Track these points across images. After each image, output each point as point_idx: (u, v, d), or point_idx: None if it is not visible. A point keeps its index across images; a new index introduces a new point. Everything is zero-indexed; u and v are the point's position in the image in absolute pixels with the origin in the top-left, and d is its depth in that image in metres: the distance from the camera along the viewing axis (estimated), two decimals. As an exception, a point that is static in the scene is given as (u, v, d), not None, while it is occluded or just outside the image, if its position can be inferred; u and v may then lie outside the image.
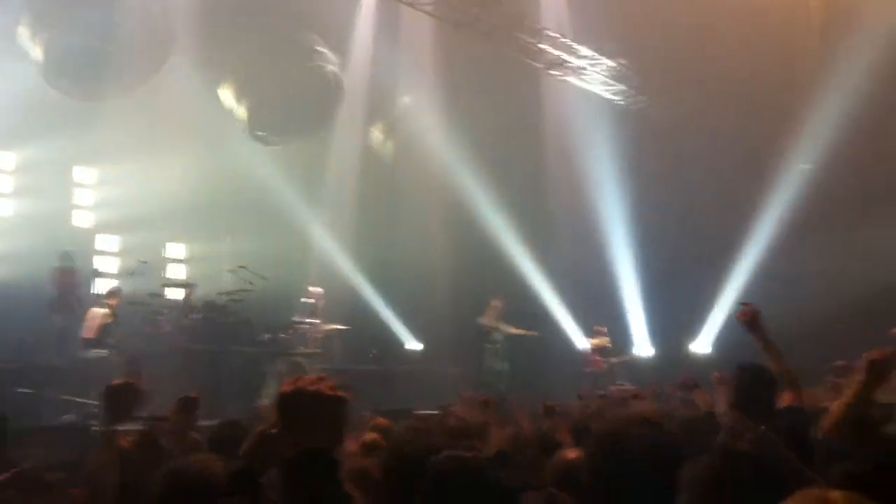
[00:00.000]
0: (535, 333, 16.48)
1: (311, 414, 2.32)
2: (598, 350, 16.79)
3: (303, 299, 15.18)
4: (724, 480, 2.39)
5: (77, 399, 11.03)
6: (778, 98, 16.41)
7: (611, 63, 18.37)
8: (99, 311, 12.48)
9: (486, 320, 16.13)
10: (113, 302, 12.77)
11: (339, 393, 2.36)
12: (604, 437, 2.65)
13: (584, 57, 18.13)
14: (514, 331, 16.25)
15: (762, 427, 3.41)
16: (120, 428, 3.85)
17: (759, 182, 17.06)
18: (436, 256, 17.22)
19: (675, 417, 6.23)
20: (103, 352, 12.09)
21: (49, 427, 9.80)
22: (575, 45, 17.80)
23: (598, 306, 18.18)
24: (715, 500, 2.39)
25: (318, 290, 15.42)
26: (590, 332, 17.40)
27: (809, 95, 15.92)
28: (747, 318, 4.80)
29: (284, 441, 2.32)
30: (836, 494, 1.74)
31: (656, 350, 18.59)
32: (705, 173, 17.31)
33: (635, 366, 17.24)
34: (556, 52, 17.73)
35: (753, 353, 4.94)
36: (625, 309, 18.74)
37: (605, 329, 17.11)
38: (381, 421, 5.87)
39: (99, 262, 16.04)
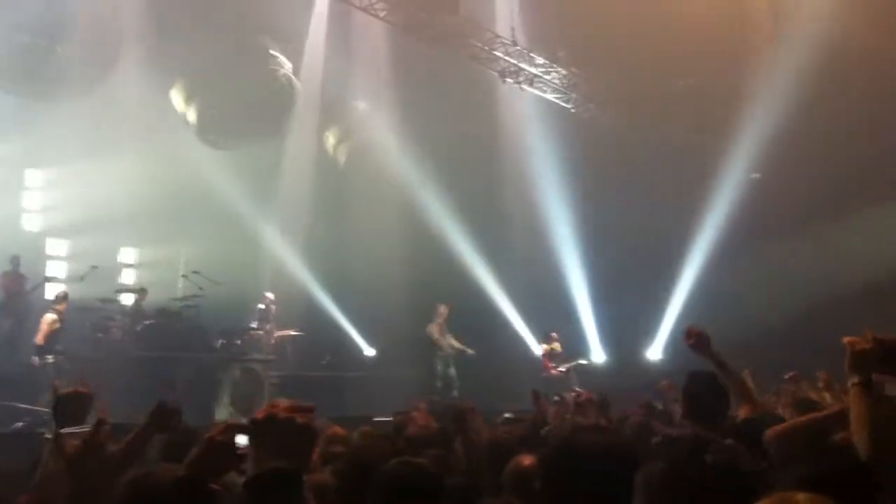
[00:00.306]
0: (472, 351, 16.33)
1: (283, 441, 2.35)
2: (548, 355, 16.93)
3: (258, 305, 15.12)
4: (684, 488, 2.47)
5: (25, 405, 10.86)
6: (725, 108, 16.72)
7: (562, 71, 18.59)
8: (48, 317, 12.29)
9: (431, 330, 16.14)
10: (61, 307, 12.57)
11: (310, 423, 2.39)
12: (558, 443, 2.71)
13: (538, 65, 18.31)
14: (455, 345, 16.24)
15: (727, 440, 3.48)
16: (68, 433, 3.81)
17: (706, 191, 17.40)
18: (389, 262, 17.17)
19: (628, 423, 6.39)
20: (51, 358, 11.91)
21: (-2, 434, 9.63)
22: (528, 53, 17.98)
23: (552, 312, 18.36)
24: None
25: (271, 295, 15.37)
26: (544, 338, 17.47)
27: (755, 105, 16.29)
28: (693, 341, 4.67)
29: (255, 462, 2.34)
30: (801, 496, 1.83)
31: (609, 356, 18.84)
32: (654, 182, 17.55)
33: (587, 371, 17.29)
34: (510, 60, 17.88)
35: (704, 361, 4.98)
36: (578, 315, 18.98)
37: (556, 335, 17.27)
38: (338, 430, 5.87)
39: (49, 267, 15.79)
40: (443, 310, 16.25)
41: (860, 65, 15.14)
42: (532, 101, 18.92)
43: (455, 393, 15.35)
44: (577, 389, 15.03)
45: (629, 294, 17.70)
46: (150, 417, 3.86)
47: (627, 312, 17.81)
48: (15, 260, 13.43)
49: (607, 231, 18.22)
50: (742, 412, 4.61)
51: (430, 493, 3.36)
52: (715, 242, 17.49)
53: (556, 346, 17.12)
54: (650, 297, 17.92)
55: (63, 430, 3.27)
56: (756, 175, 17.09)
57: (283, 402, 2.41)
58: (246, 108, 16.61)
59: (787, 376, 8.67)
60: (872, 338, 2.87)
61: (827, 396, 6.34)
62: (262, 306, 15.19)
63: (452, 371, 16.08)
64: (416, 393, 14.73)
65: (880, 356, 2.88)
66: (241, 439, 2.95)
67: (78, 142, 14.82)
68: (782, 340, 14.44)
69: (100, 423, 3.60)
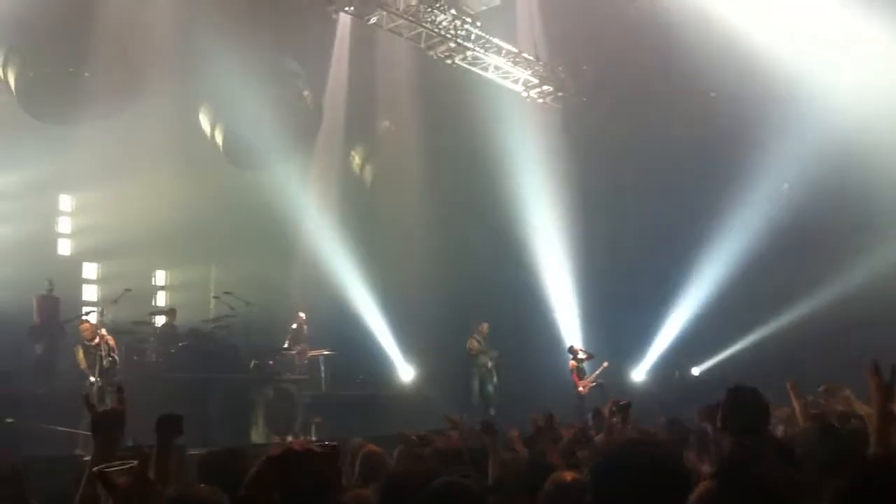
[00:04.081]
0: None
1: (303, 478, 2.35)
2: (575, 371, 16.79)
3: (292, 325, 15.15)
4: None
5: (59, 428, 10.94)
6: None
7: (587, 83, 18.67)
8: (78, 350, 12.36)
9: (471, 344, 16.13)
10: (92, 331, 12.57)
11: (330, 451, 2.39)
12: (608, 457, 2.69)
13: (559, 78, 18.42)
14: (490, 360, 16.17)
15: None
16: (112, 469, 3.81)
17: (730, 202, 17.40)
18: (420, 279, 17.21)
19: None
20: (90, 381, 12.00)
21: (32, 457, 9.68)
22: (551, 67, 18.07)
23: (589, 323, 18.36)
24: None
25: (303, 315, 15.40)
26: (569, 354, 17.25)
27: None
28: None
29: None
30: None
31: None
32: (671, 189, 17.62)
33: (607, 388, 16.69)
34: (532, 74, 17.96)
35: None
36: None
37: (579, 349, 17.16)
38: (374, 448, 5.86)
39: (84, 291, 15.93)
40: (484, 327, 16.34)
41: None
42: (552, 114, 18.97)
43: (492, 411, 15.23)
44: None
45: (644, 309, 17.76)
46: (159, 431, 3.85)
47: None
48: (50, 284, 13.52)
49: (630, 241, 18.18)
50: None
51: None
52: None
53: (582, 355, 17.02)
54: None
55: (107, 467, 3.25)
56: (786, 185, 17.05)
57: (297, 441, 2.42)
58: (272, 130, 16.72)
59: (820, 388, 8.66)
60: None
61: (858, 408, 6.26)
62: (294, 326, 15.22)
63: (490, 388, 16.05)
64: (453, 411, 14.72)
65: None
66: None
67: (108, 166, 14.96)
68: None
69: (144, 455, 3.61)
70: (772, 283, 16.87)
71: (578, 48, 18.39)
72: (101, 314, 14.00)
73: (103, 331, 12.51)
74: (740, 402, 4.65)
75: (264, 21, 15.79)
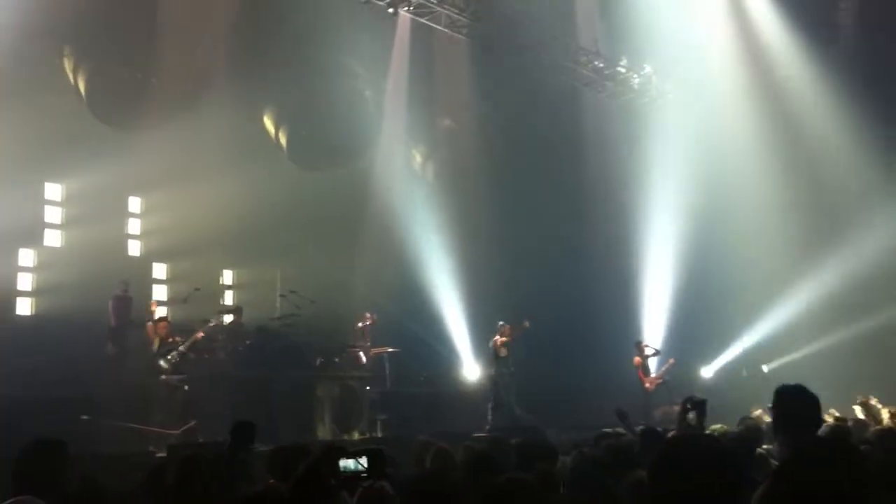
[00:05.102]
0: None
1: None
2: (640, 367, 16.59)
3: (358, 324, 15.25)
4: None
5: (131, 425, 11.18)
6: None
7: (646, 71, 18.52)
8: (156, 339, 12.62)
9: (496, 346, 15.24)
10: (170, 331, 12.84)
11: None
12: (663, 452, 2.64)
13: (621, 72, 18.27)
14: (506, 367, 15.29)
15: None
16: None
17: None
18: (482, 275, 17.20)
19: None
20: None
21: (108, 454, 9.90)
22: (612, 62, 17.96)
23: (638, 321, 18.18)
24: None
25: (369, 314, 15.46)
26: (635, 349, 17.03)
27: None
28: None
29: None
30: None
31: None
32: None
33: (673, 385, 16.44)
34: (592, 69, 17.87)
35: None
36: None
37: (645, 344, 16.96)
38: (444, 446, 5.85)
39: (154, 290, 16.23)
40: (508, 329, 15.30)
41: None
42: (615, 108, 18.84)
43: (518, 411, 14.84)
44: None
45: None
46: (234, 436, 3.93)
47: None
48: (124, 284, 13.75)
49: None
50: None
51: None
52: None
53: (649, 351, 16.84)
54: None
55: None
56: None
57: None
58: (334, 130, 16.87)
59: (859, 400, 8.78)
60: None
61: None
62: (360, 325, 15.29)
63: (508, 396, 15.09)
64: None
65: None
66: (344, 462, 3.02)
67: (175, 168, 15.13)
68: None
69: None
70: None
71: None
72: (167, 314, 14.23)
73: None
74: (791, 401, 4.54)
75: (325, 23, 15.95)
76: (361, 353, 14.91)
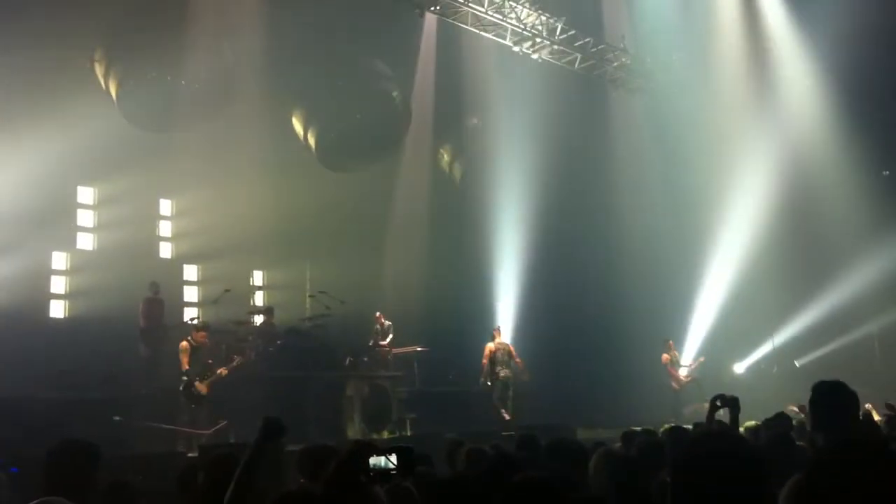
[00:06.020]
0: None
1: None
2: (669, 364, 16.42)
3: (376, 326, 15.26)
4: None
5: (162, 425, 11.26)
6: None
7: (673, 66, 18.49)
8: (183, 345, 12.36)
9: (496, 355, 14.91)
10: (200, 336, 12.60)
11: None
12: (684, 451, 2.60)
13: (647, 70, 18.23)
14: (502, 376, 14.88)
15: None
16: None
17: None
18: (513, 276, 17.20)
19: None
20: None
21: (139, 455, 9.99)
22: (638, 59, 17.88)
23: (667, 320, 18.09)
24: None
25: (380, 315, 15.37)
26: (663, 347, 16.82)
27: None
28: None
29: None
30: None
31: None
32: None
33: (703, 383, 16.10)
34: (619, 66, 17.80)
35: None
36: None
37: (671, 342, 16.83)
38: (474, 446, 5.82)
39: (185, 292, 16.35)
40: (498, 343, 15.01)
41: None
42: (642, 106, 18.74)
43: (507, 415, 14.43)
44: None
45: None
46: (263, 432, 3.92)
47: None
48: (154, 286, 13.77)
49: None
50: None
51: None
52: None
53: (675, 353, 16.72)
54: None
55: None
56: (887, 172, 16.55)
57: None
58: (362, 131, 16.90)
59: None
60: None
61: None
62: (378, 326, 15.28)
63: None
64: (545, 407, 14.66)
65: None
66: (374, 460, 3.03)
67: (205, 170, 15.29)
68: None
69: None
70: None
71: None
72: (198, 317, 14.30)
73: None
74: (827, 397, 4.48)
75: (352, 24, 16.00)
76: (389, 352, 14.92)
